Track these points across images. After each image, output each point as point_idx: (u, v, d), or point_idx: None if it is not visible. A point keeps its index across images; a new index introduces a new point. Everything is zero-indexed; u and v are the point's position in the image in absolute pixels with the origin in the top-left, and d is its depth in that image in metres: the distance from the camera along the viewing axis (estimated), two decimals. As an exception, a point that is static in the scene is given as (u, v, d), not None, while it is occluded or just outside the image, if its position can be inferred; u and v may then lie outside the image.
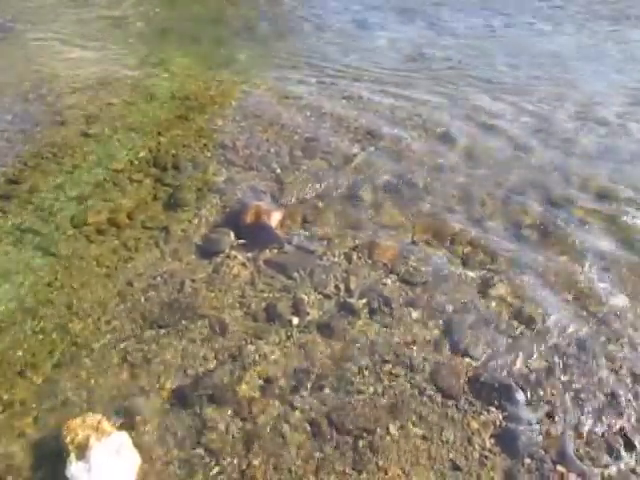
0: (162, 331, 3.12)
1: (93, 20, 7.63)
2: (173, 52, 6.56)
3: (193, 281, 3.43)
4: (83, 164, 4.46)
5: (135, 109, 5.26)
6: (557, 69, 6.53)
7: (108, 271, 3.51)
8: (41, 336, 3.09)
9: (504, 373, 2.95)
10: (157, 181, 4.26)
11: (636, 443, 2.65)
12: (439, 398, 2.82)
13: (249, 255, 3.61)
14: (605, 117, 5.46)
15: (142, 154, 4.56)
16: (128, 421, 2.66)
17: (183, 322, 3.17)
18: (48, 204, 4.04)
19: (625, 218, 4.07)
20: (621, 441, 2.66)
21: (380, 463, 2.55)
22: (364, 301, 3.32)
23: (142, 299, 3.31)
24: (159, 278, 3.45)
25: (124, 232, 3.79)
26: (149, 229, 3.82)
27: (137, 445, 2.54)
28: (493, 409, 2.78)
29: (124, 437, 2.51)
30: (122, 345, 3.04)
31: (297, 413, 2.72)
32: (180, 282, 3.42)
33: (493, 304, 3.33)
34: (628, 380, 2.94)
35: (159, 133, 4.86)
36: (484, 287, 3.44)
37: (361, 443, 2.61)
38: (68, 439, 2.45)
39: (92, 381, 2.86)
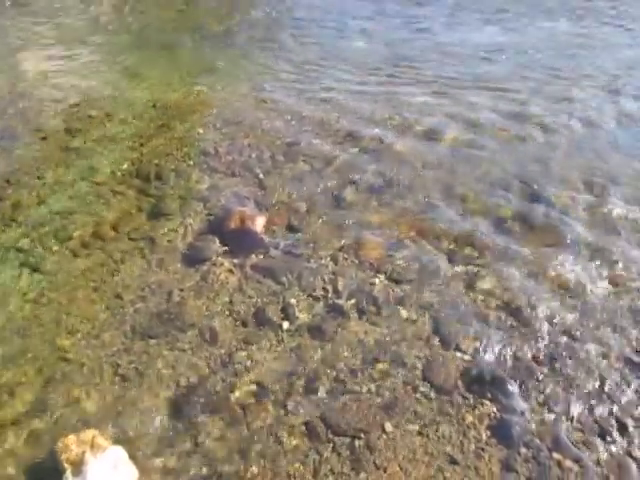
0: (152, 342, 3.11)
1: (69, 33, 7.58)
2: (151, 62, 6.54)
3: (181, 290, 3.41)
4: (65, 178, 4.43)
5: (115, 121, 5.23)
6: (529, 62, 6.61)
7: (95, 285, 3.48)
8: (30, 354, 3.06)
9: (495, 365, 2.97)
10: (140, 192, 4.24)
11: (629, 425, 2.68)
12: (433, 394, 2.83)
13: (236, 261, 3.60)
14: (584, 109, 5.54)
15: (124, 166, 4.53)
16: (123, 435, 2.64)
17: (173, 332, 3.16)
18: (31, 220, 4.00)
19: (605, 207, 4.13)
20: (614, 424, 2.70)
21: (378, 462, 2.55)
22: (353, 302, 3.33)
23: (131, 311, 3.29)
24: (147, 289, 3.43)
25: (110, 245, 3.77)
26: (135, 240, 3.79)
27: (134, 458, 2.52)
28: (487, 401, 2.80)
29: (120, 451, 2.49)
30: (113, 358, 3.02)
31: (292, 417, 2.72)
32: (168, 292, 3.41)
33: (481, 297, 3.36)
34: (616, 364, 2.98)
35: (141, 144, 4.84)
36: (471, 281, 3.47)
37: (358, 443, 2.62)
38: (63, 456, 2.42)
39: (84, 396, 2.83)
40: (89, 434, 2.51)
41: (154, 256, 3.67)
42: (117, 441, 2.58)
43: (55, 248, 3.76)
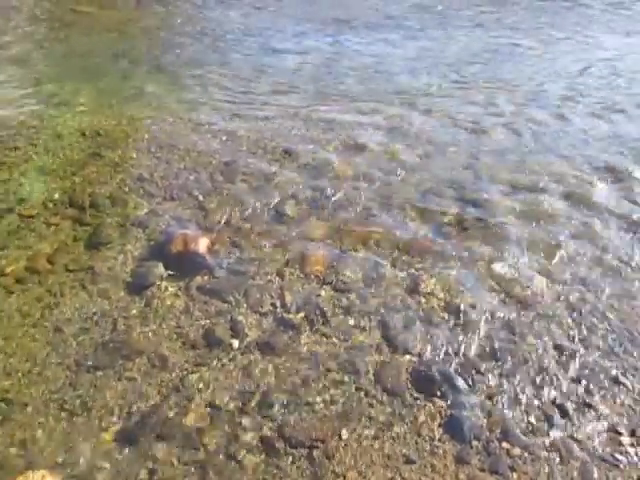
0: (99, 374, 3.02)
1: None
2: (78, 90, 6.39)
3: (126, 318, 3.34)
4: (-7, 214, 4.25)
5: (44, 151, 5.08)
6: (451, 73, 6.94)
7: (33, 320, 3.35)
8: (-34, 399, 2.90)
9: (443, 364, 3.07)
10: (76, 222, 4.12)
11: (569, 409, 2.84)
12: (385, 397, 2.90)
13: (181, 284, 3.57)
14: (506, 114, 5.87)
15: (56, 196, 4.40)
16: (75, 471, 2.54)
17: (120, 361, 3.08)
18: (-42, 260, 3.81)
19: (534, 205, 4.39)
20: (556, 410, 2.84)
21: (337, 470, 2.58)
22: (301, 315, 3.36)
23: (74, 344, 3.19)
24: (89, 320, 3.34)
25: (46, 278, 3.64)
26: (73, 271, 3.68)
27: (87, 495, 2.44)
28: (437, 399, 2.89)
29: (71, 489, 2.41)
30: (58, 394, 2.91)
31: (249, 434, 2.71)
32: (112, 321, 3.32)
33: (424, 300, 3.48)
34: (554, 353, 3.16)
35: (72, 173, 4.71)
36: (414, 285, 3.58)
37: (316, 453, 2.64)
38: (11, 501, 2.32)
39: (29, 437, 2.71)
40: (38, 475, 2.41)
41: (95, 286, 3.57)
42: (69, 479, 2.49)
43: (-14, 286, 3.60)
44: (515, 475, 2.57)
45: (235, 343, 3.18)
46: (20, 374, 3.03)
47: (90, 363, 3.07)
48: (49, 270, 3.69)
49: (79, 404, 2.86)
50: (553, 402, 2.89)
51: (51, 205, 4.31)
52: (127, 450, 2.65)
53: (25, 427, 2.75)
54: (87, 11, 9.22)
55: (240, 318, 3.33)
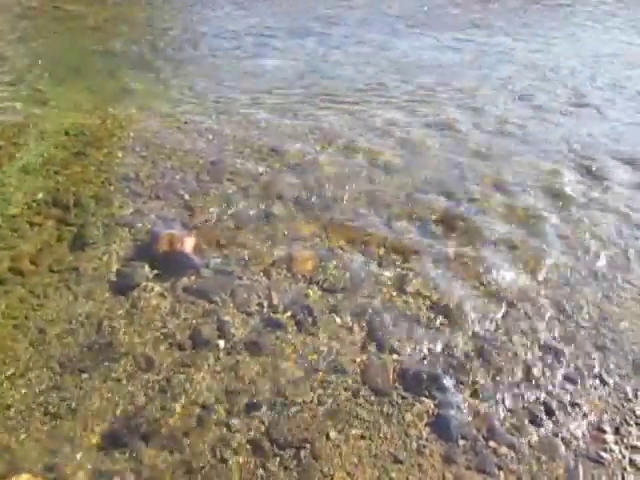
0: (84, 376, 2.98)
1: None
2: (62, 88, 6.32)
3: (111, 319, 3.31)
4: (-25, 214, 4.18)
5: (26, 150, 5.01)
6: (443, 76, 6.97)
7: (16, 322, 3.30)
8: (-53, 403, 2.86)
9: (430, 363, 3.08)
10: (60, 222, 4.07)
11: (554, 408, 2.86)
12: (372, 397, 2.90)
13: (167, 285, 3.54)
14: (491, 117, 5.90)
15: (40, 196, 4.34)
16: (60, 475, 2.51)
17: (105, 363, 3.05)
18: (-61, 260, 3.74)
19: (519, 205, 4.41)
20: (542, 409, 2.86)
21: (325, 470, 2.58)
22: (288, 314, 3.35)
23: (58, 346, 3.15)
24: (74, 321, 3.30)
25: (30, 279, 3.59)
26: (57, 272, 3.64)
27: (71, 498, 2.41)
28: (424, 399, 2.90)
29: (56, 492, 2.38)
30: (42, 397, 2.87)
31: (236, 435, 2.70)
32: (97, 322, 3.29)
33: (411, 299, 3.49)
34: (540, 352, 3.18)
35: (56, 172, 4.65)
36: (401, 284, 3.59)
37: (303, 453, 2.63)
38: (-6, 505, 2.28)
39: (13, 440, 2.67)
40: (22, 479, 2.38)
41: (80, 287, 3.53)
42: (53, 482, 2.46)
43: (-32, 288, 3.54)
44: (502, 473, 2.58)
45: (222, 343, 3.16)
46: (3, 376, 2.99)
47: (75, 365, 3.03)
48: (32, 271, 3.64)
49: (63, 406, 2.82)
50: (539, 401, 2.91)
51: (34, 205, 4.25)
52: (113, 452, 2.62)
53: (8, 430, 2.71)
54: (73, 9, 9.12)
55: (227, 318, 3.31)
